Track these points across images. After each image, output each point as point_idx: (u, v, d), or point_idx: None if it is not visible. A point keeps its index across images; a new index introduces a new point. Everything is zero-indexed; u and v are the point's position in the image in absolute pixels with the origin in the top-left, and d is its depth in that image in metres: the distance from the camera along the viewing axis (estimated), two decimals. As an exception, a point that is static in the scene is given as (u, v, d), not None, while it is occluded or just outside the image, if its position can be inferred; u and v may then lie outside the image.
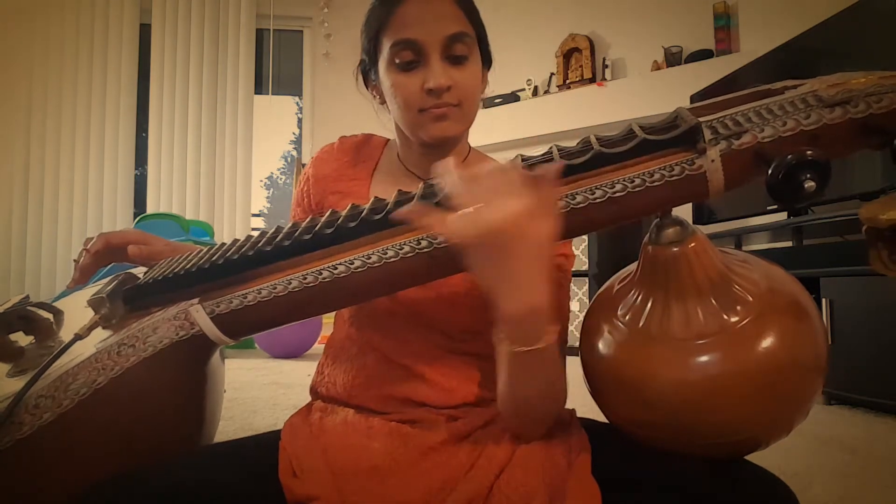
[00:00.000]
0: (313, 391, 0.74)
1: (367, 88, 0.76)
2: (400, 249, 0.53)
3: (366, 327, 0.71)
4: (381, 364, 0.68)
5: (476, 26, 0.69)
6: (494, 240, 0.46)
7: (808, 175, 0.44)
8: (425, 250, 0.53)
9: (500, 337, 0.52)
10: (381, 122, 0.78)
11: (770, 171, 0.45)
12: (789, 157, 0.44)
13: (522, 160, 0.54)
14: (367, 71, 0.74)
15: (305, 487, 0.56)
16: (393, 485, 0.56)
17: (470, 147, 0.78)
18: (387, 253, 0.53)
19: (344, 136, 0.80)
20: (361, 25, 0.72)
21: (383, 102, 0.73)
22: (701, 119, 0.48)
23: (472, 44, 0.67)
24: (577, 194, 0.50)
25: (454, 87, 0.66)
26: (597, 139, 0.53)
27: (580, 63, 3.72)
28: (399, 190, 0.57)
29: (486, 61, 0.73)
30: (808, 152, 0.44)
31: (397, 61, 0.66)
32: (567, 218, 0.50)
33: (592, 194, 0.50)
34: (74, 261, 0.70)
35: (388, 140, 0.81)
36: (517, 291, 0.48)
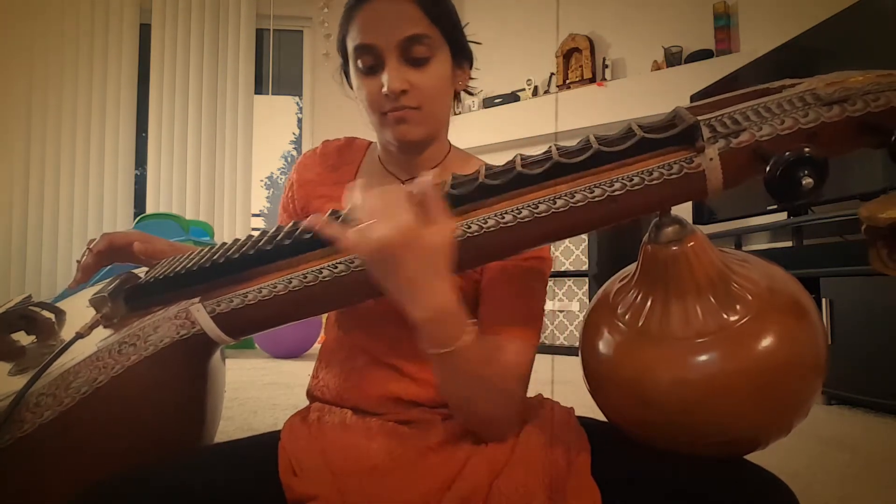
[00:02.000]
0: (310, 395, 0.75)
1: (351, 90, 0.76)
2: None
3: (353, 329, 0.71)
4: (370, 365, 0.69)
5: (441, 25, 0.67)
6: (384, 252, 0.48)
7: (806, 172, 0.44)
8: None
9: (418, 339, 0.53)
10: (367, 122, 0.78)
11: (768, 169, 0.45)
12: (787, 154, 0.44)
13: (521, 160, 0.54)
14: (347, 73, 0.74)
15: (305, 487, 0.56)
16: (392, 484, 0.56)
17: (451, 146, 0.77)
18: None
19: (327, 140, 0.81)
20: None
21: None
22: (699, 118, 0.48)
23: (433, 44, 0.66)
24: (576, 193, 0.50)
25: (412, 90, 0.65)
26: (596, 138, 0.53)
27: (580, 63, 3.72)
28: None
29: (462, 57, 0.72)
30: (806, 149, 0.44)
31: (360, 65, 0.67)
32: (567, 216, 0.51)
33: (591, 193, 0.50)
34: (77, 261, 0.71)
35: (371, 143, 0.81)
36: (418, 297, 0.50)
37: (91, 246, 0.70)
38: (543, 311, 0.68)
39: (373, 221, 0.48)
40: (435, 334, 0.52)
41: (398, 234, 0.48)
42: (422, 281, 0.50)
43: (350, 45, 0.67)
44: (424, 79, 0.66)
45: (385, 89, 0.64)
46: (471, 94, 0.79)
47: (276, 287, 0.55)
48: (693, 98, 2.84)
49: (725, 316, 0.51)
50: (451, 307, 0.51)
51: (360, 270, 0.54)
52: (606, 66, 3.64)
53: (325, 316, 0.68)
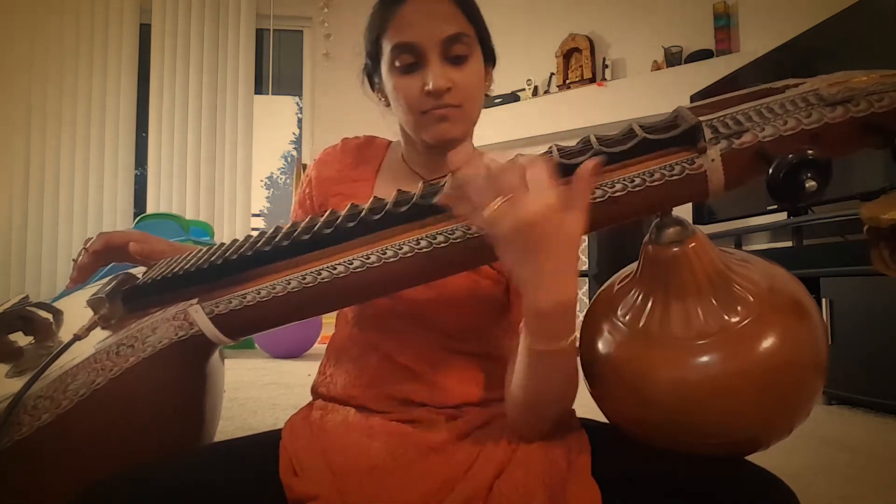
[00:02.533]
0: (314, 391, 0.74)
1: (372, 91, 0.76)
2: (399, 250, 0.53)
3: (368, 327, 0.71)
4: (383, 364, 0.68)
5: (476, 25, 0.68)
6: (529, 233, 0.44)
7: (809, 174, 0.43)
8: (424, 251, 0.52)
9: (525, 332, 0.51)
10: (386, 124, 0.78)
11: (771, 171, 0.44)
12: (790, 156, 0.43)
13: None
14: (371, 74, 0.74)
15: (305, 486, 0.56)
16: (392, 484, 0.56)
17: (473, 147, 0.77)
18: (386, 253, 0.53)
19: (347, 138, 0.80)
20: (363, 29, 0.72)
21: (388, 105, 0.73)
22: (701, 118, 0.48)
23: (471, 43, 0.67)
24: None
25: (454, 88, 0.66)
26: (596, 139, 0.52)
27: (580, 63, 3.72)
28: (399, 189, 0.57)
29: (490, 59, 0.73)
30: (809, 151, 0.44)
31: (398, 64, 0.66)
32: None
33: (592, 193, 0.50)
34: (74, 260, 0.70)
35: (391, 142, 0.81)
36: (548, 286, 0.47)
37: (87, 245, 0.69)
38: None
39: (513, 196, 0.44)
40: (547, 328, 0.49)
41: (546, 216, 0.43)
42: (555, 270, 0.46)
43: (387, 44, 0.67)
44: (465, 77, 0.66)
45: (430, 87, 0.64)
46: (488, 95, 0.79)
47: (274, 288, 0.55)
48: (693, 98, 2.84)
49: (726, 317, 0.51)
50: (573, 303, 0.48)
51: (358, 272, 0.53)
52: (606, 66, 3.63)
53: (326, 316, 0.68)
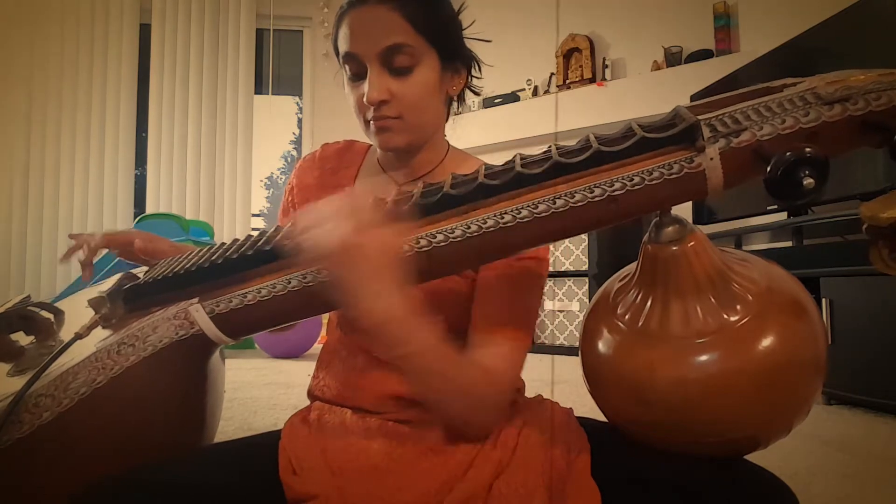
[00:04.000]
0: (310, 394, 0.75)
1: None
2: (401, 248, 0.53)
3: (352, 330, 0.71)
4: (371, 364, 0.69)
5: (425, 33, 0.66)
6: (324, 260, 0.50)
7: (807, 172, 0.44)
8: (424, 249, 0.53)
9: (374, 348, 0.55)
10: None
11: (769, 168, 0.45)
12: (788, 153, 0.44)
13: (521, 159, 0.54)
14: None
15: (305, 486, 0.56)
16: (391, 484, 0.56)
17: (449, 146, 0.77)
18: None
19: (327, 143, 0.81)
20: None
21: None
22: (700, 117, 0.48)
23: (416, 53, 0.65)
24: (576, 193, 0.50)
25: (393, 99, 0.65)
26: (596, 138, 0.53)
27: (580, 63, 3.72)
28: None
29: (456, 62, 0.71)
30: (807, 149, 0.44)
31: (348, 72, 0.68)
32: (567, 216, 0.50)
33: (591, 193, 0.50)
34: (80, 262, 0.71)
35: (370, 145, 0.81)
36: (361, 303, 0.51)
37: (88, 240, 0.70)
38: (538, 311, 0.67)
39: (310, 230, 0.50)
40: (384, 339, 0.52)
41: (333, 240, 0.49)
42: (363, 287, 0.50)
43: (340, 52, 0.68)
44: (406, 88, 0.66)
45: (364, 99, 0.65)
46: (476, 93, 0.79)
47: (275, 287, 0.55)
48: (693, 98, 2.84)
49: (725, 316, 0.51)
50: (396, 312, 0.51)
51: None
52: (606, 66, 3.63)
53: (325, 316, 0.68)
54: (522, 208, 0.51)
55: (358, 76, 0.67)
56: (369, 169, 0.78)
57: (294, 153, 5.55)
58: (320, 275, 0.54)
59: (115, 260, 2.84)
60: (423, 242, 0.52)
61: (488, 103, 4.01)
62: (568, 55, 3.78)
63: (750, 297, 0.52)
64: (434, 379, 0.56)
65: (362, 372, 0.69)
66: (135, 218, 3.92)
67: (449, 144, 0.77)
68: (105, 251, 0.72)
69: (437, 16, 0.68)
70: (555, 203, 0.50)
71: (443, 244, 0.52)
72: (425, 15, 0.66)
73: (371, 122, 0.67)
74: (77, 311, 0.66)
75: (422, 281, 0.54)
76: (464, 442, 0.60)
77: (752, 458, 0.54)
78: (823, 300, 1.86)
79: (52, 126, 4.01)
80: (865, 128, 0.46)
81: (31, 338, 0.66)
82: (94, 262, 0.71)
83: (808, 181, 0.44)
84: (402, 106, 0.66)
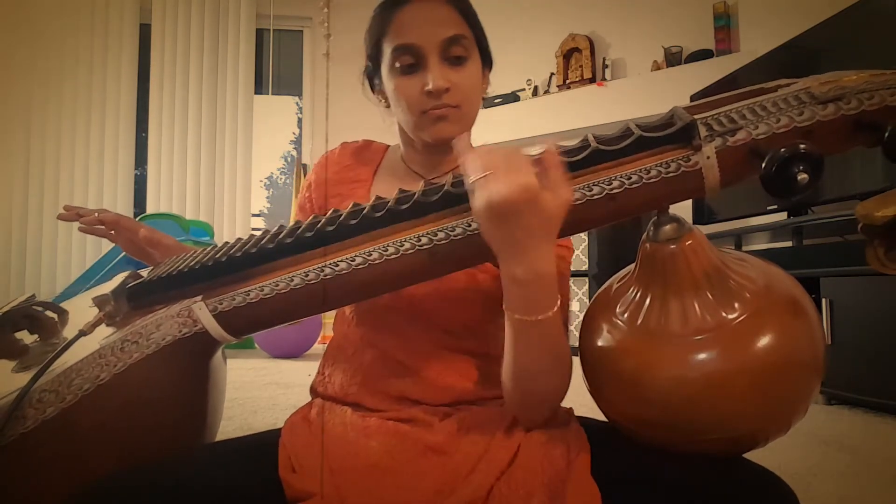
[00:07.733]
0: (313, 390, 0.75)
1: (372, 93, 0.77)
2: (401, 246, 0.54)
3: (365, 324, 0.71)
4: (378, 361, 0.69)
5: (473, 28, 0.70)
6: (503, 206, 0.48)
7: (801, 167, 0.44)
8: (426, 247, 0.53)
9: (504, 303, 0.54)
10: (385, 124, 0.80)
11: (764, 164, 0.45)
12: (782, 149, 0.44)
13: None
14: (372, 76, 0.75)
15: (304, 484, 0.56)
16: (391, 483, 0.56)
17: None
18: (388, 250, 0.54)
19: (345, 142, 0.82)
20: (364, 32, 0.74)
21: (388, 106, 0.74)
22: (696, 116, 0.49)
23: (469, 45, 0.69)
24: (575, 191, 0.51)
25: (453, 88, 0.67)
26: (594, 137, 0.53)
27: (580, 63, 3.73)
28: (400, 189, 0.58)
29: (487, 62, 0.74)
30: (801, 145, 0.44)
31: (398, 65, 0.68)
32: (566, 215, 0.51)
33: (590, 191, 0.50)
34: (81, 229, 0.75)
35: (389, 146, 0.82)
36: (523, 256, 0.50)
37: (98, 213, 0.73)
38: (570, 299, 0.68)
39: (490, 173, 0.48)
40: (529, 298, 0.52)
41: (522, 190, 0.47)
42: (531, 242, 0.50)
43: (388, 46, 0.69)
44: (463, 78, 0.68)
45: (430, 87, 0.66)
46: (486, 97, 0.80)
47: (278, 285, 0.55)
48: (693, 98, 2.84)
49: (723, 313, 0.51)
50: (552, 274, 0.52)
51: (360, 269, 0.54)
52: (606, 66, 3.64)
53: (326, 316, 0.69)
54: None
55: (411, 68, 0.68)
56: (390, 166, 0.79)
57: (294, 153, 5.55)
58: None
59: (119, 256, 2.84)
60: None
61: (488, 103, 4.01)
62: (568, 55, 3.79)
63: (748, 295, 0.52)
64: (547, 350, 0.56)
65: (369, 367, 0.69)
66: (135, 218, 3.92)
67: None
68: (112, 245, 0.74)
69: (476, 14, 0.72)
70: (555, 202, 0.51)
71: (443, 241, 0.53)
72: (472, 10, 0.71)
73: (429, 112, 0.68)
74: (81, 310, 0.66)
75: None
76: (465, 442, 0.60)
77: (753, 457, 0.54)
78: (823, 300, 1.86)
79: (52, 126, 4.01)
80: (859, 127, 0.46)
81: (35, 336, 0.66)
82: (100, 259, 0.73)
83: (802, 176, 0.44)
84: (460, 95, 0.68)
